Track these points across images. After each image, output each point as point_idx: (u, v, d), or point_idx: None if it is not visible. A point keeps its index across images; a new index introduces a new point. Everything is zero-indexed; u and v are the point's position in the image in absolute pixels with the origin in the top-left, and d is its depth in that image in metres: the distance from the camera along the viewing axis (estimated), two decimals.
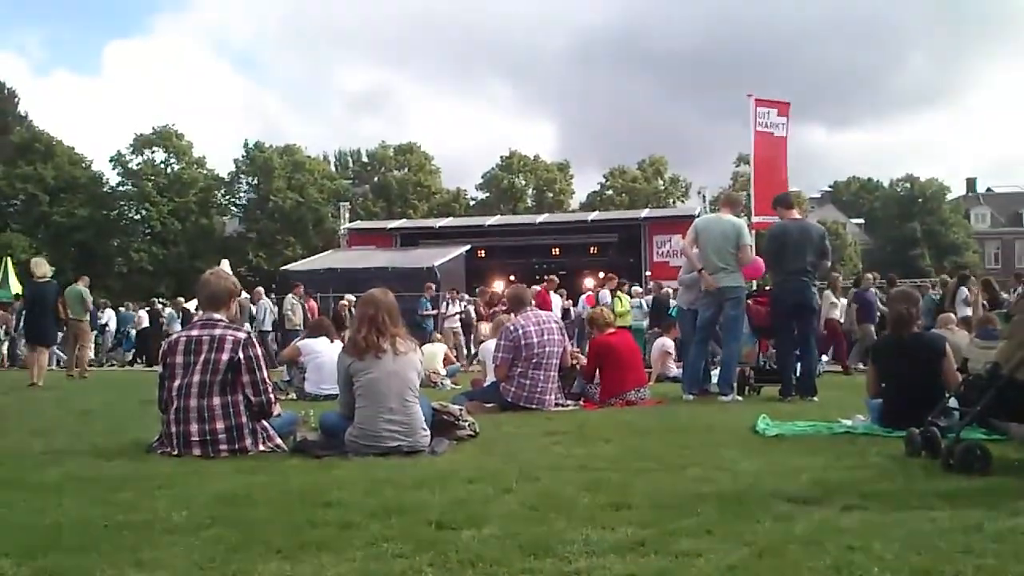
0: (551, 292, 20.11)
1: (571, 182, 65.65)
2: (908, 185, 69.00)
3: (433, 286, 21.08)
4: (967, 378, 4.88)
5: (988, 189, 78.22)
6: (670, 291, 18.16)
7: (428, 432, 5.33)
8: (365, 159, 64.69)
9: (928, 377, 5.83)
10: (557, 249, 29.11)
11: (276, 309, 21.53)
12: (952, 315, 11.57)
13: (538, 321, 8.19)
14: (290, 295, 19.98)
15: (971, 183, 78.55)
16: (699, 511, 3.38)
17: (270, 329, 20.99)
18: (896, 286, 17.34)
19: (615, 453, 5.13)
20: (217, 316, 5.44)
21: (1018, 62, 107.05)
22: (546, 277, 21.53)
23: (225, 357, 5.20)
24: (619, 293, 18.97)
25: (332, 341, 10.44)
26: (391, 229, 30.94)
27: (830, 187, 79.91)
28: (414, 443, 5.18)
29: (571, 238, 29.49)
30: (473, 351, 18.54)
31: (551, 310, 18.71)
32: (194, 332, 5.36)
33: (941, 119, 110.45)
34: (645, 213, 31.18)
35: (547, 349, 8.00)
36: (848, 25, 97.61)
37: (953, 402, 5.24)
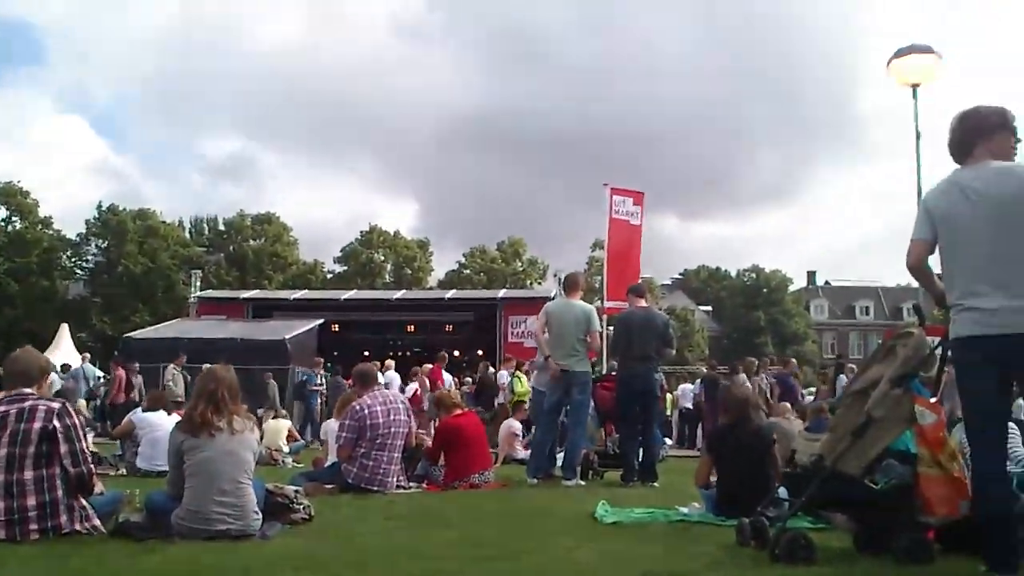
0: (443, 369, 20.16)
1: (430, 260, 65.91)
2: (754, 275, 72.31)
3: (322, 360, 20.99)
4: (794, 469, 5.05)
5: (826, 282, 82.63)
6: (505, 373, 18.28)
7: (260, 515, 5.14)
8: (222, 227, 63.24)
9: (759, 467, 6.03)
10: (412, 326, 28.96)
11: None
12: (788, 404, 12.03)
13: (385, 400, 8.07)
14: (171, 365, 19.10)
15: (811, 276, 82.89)
16: None
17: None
18: (739, 373, 18.02)
19: (453, 539, 5.05)
20: (27, 390, 5.06)
21: (853, 165, 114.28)
22: (439, 354, 21.49)
23: (37, 426, 4.83)
24: (518, 373, 18.77)
25: (170, 414, 10.02)
26: (244, 299, 30.15)
27: (681, 275, 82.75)
28: (244, 527, 4.99)
29: (427, 315, 29.40)
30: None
31: (444, 386, 18.75)
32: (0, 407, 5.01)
33: (786, 214, 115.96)
34: (502, 293, 31.42)
35: (392, 429, 7.87)
36: (704, 122, 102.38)
37: (784, 492, 5.40)
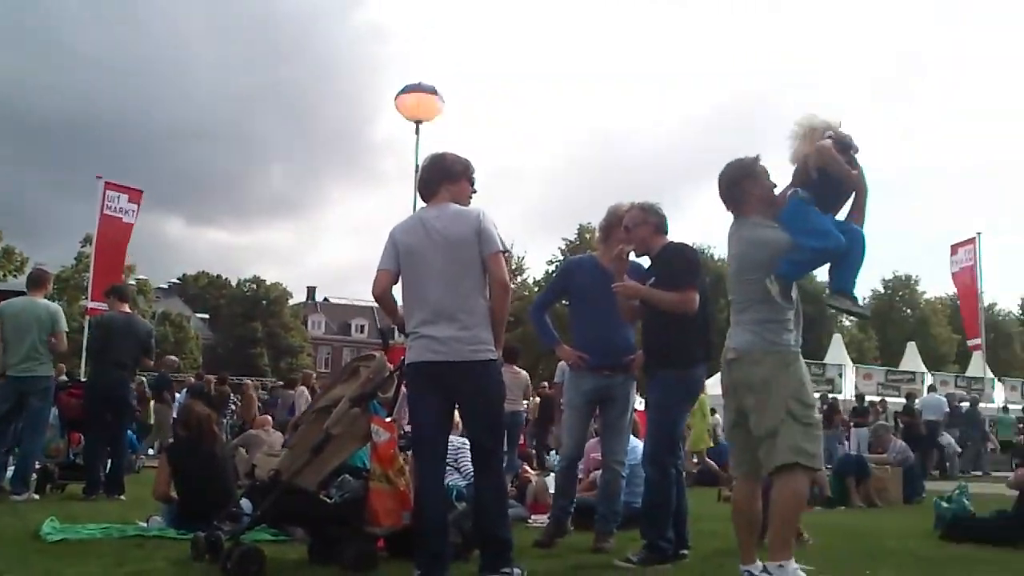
0: None
1: None
2: (255, 286, 71.99)
3: None
4: (253, 483, 5.12)
5: (325, 299, 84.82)
6: None
7: None
8: None
9: (219, 480, 6.01)
10: None
11: None
12: (270, 417, 12.12)
13: None
14: None
15: (312, 291, 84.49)
16: None
17: None
18: (228, 384, 17.88)
19: None
20: None
21: (360, 188, 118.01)
22: None
23: None
24: None
25: None
26: None
27: (179, 279, 79.86)
28: None
29: None
30: None
31: None
32: None
33: (292, 229, 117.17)
34: None
35: None
36: (220, 129, 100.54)
37: (248, 505, 5.45)
